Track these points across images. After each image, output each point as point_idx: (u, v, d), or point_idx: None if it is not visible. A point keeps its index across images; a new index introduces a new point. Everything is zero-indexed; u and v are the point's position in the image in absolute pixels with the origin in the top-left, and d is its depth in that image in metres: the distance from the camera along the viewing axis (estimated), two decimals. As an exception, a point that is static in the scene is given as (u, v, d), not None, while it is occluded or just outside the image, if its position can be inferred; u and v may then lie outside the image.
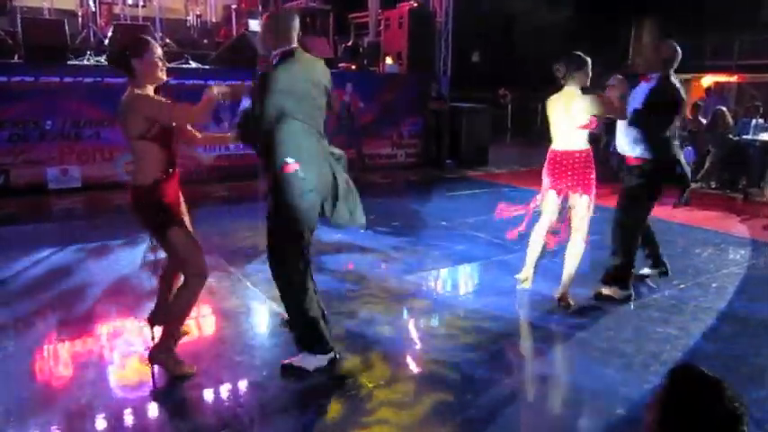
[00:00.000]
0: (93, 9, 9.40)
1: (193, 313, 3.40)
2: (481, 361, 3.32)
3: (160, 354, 3.03)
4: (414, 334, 3.77)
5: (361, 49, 11.09)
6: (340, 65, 10.31)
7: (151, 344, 3.20)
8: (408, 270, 4.86)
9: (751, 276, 4.86)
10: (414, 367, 3.32)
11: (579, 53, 3.90)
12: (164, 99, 2.94)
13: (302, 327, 3.10)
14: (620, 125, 4.20)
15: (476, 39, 18.90)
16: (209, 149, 8.22)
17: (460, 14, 11.48)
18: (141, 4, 10.03)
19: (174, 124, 3.00)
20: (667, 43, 4.12)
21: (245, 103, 2.98)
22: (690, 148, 8.77)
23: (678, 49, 4.05)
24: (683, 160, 4.23)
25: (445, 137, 10.80)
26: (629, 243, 4.17)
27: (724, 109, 9.36)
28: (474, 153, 11.13)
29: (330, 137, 3.16)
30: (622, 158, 4.38)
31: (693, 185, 7.12)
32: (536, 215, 4.24)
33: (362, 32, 12.62)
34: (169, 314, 3.11)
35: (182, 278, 3.10)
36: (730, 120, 9.27)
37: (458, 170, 10.53)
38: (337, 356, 3.18)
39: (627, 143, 4.16)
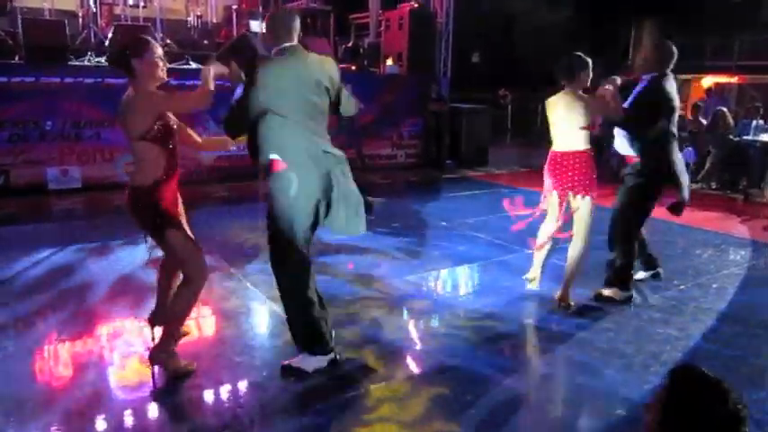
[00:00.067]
0: (94, 10, 9.38)
1: (193, 313, 3.40)
2: (481, 361, 3.32)
3: (160, 354, 3.03)
4: (414, 334, 3.78)
5: (361, 50, 11.06)
6: (340, 66, 10.27)
7: (151, 344, 3.20)
8: (408, 270, 4.86)
9: (751, 277, 4.86)
10: (414, 368, 3.33)
11: (580, 54, 3.89)
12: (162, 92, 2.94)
13: (302, 327, 3.09)
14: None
15: (476, 39, 18.85)
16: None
17: (460, 15, 11.44)
18: (142, 4, 10.00)
19: (174, 126, 3.00)
20: (662, 44, 4.08)
21: (239, 92, 2.95)
22: (690, 148, 8.76)
23: (673, 49, 4.00)
24: (678, 164, 4.09)
25: (445, 137, 10.78)
26: (628, 244, 4.16)
27: (724, 109, 9.37)
28: (474, 154, 11.11)
29: (330, 137, 3.11)
30: (622, 158, 4.38)
31: (694, 186, 7.11)
32: (541, 216, 4.25)
33: (363, 33, 12.60)
34: (169, 314, 3.11)
35: (181, 276, 3.10)
36: (731, 120, 9.28)
37: (458, 171, 10.52)
38: (338, 357, 3.17)
39: (623, 143, 4.15)
